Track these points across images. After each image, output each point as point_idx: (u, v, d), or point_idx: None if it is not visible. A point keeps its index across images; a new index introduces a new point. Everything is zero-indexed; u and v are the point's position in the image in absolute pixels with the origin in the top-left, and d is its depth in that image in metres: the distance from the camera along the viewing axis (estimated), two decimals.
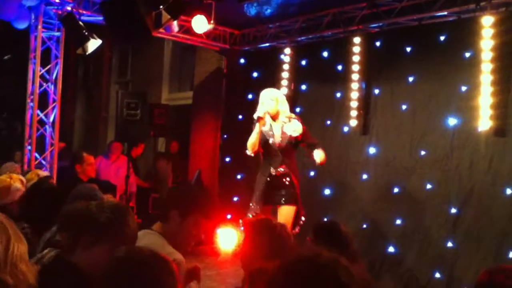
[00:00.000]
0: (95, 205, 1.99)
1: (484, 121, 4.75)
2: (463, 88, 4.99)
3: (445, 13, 5.14)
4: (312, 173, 6.31)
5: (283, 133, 4.56)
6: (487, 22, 4.72)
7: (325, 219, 2.97)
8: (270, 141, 4.58)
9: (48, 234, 3.14)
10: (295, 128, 4.49)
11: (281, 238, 2.31)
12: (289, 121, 4.56)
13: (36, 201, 3.36)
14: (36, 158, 6.10)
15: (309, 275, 1.14)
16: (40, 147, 6.20)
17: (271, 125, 4.61)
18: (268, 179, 4.56)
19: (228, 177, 7.39)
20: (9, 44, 10.93)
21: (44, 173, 4.46)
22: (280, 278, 1.19)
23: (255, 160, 5.39)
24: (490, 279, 1.94)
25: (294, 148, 4.66)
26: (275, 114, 4.60)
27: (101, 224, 1.91)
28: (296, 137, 4.53)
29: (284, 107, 4.64)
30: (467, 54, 4.96)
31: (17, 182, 3.82)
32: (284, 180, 4.56)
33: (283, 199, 4.51)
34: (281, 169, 4.56)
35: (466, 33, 4.97)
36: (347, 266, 1.16)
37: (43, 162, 6.19)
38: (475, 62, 4.85)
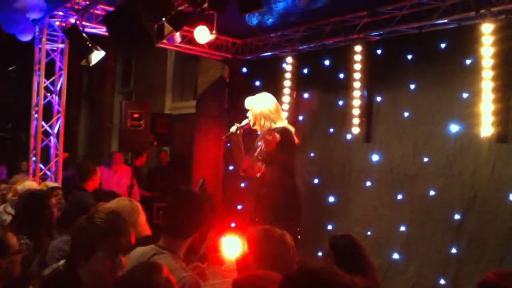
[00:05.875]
0: (84, 219, 2.02)
1: (486, 128, 4.76)
2: (465, 95, 5.01)
3: (445, 20, 5.17)
4: (316, 181, 6.33)
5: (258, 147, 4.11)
6: (487, 29, 4.75)
7: (341, 234, 2.93)
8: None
9: (56, 242, 3.17)
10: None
11: (280, 247, 2.30)
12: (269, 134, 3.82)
13: (25, 210, 3.47)
14: (41, 169, 6.16)
15: None
16: (45, 158, 6.25)
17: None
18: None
19: (232, 185, 7.41)
20: (13, 55, 11.05)
21: (51, 184, 4.54)
22: None
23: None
24: (497, 282, 1.98)
25: (270, 163, 3.98)
26: (252, 125, 4.13)
27: (93, 235, 1.95)
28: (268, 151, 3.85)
29: (263, 119, 4.06)
30: (468, 61, 4.99)
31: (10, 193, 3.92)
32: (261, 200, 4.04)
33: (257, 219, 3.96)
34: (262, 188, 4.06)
35: (466, 41, 5.00)
36: (349, 284, 1.16)
37: (48, 173, 6.23)
38: (476, 69, 4.87)
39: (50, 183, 4.51)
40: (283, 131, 3.92)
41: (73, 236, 2.02)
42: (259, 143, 4.15)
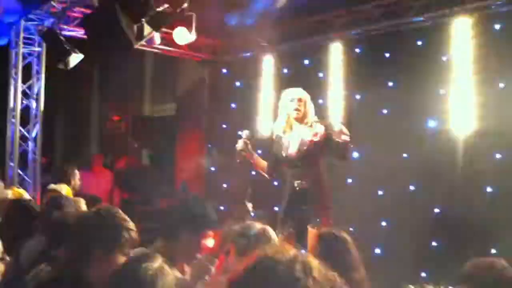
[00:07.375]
0: (102, 216, 1.99)
1: (463, 122, 4.88)
2: (442, 91, 5.13)
3: (421, 18, 5.28)
4: None
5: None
6: (462, 25, 4.88)
7: (327, 229, 3.03)
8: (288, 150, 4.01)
9: (32, 247, 3.08)
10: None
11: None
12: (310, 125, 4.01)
13: (12, 218, 3.38)
14: (19, 174, 6.05)
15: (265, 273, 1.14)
16: (22, 163, 6.15)
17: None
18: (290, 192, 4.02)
19: (214, 186, 7.40)
20: None
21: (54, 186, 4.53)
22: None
23: (240, 168, 5.42)
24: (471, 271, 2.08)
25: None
26: (300, 118, 4.05)
27: (113, 229, 1.93)
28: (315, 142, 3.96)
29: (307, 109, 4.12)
30: (444, 58, 5.11)
31: None
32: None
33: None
34: (302, 182, 3.99)
35: (442, 37, 5.12)
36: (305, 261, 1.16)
37: (26, 178, 6.13)
38: (452, 65, 4.99)
39: (54, 186, 4.50)
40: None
41: (87, 231, 1.96)
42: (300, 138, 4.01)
